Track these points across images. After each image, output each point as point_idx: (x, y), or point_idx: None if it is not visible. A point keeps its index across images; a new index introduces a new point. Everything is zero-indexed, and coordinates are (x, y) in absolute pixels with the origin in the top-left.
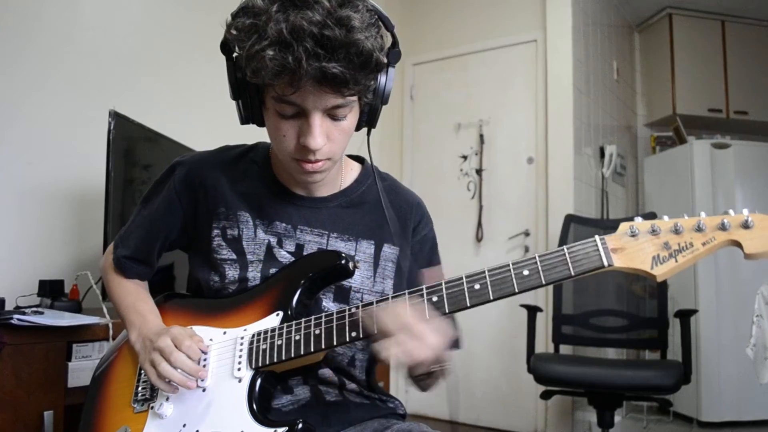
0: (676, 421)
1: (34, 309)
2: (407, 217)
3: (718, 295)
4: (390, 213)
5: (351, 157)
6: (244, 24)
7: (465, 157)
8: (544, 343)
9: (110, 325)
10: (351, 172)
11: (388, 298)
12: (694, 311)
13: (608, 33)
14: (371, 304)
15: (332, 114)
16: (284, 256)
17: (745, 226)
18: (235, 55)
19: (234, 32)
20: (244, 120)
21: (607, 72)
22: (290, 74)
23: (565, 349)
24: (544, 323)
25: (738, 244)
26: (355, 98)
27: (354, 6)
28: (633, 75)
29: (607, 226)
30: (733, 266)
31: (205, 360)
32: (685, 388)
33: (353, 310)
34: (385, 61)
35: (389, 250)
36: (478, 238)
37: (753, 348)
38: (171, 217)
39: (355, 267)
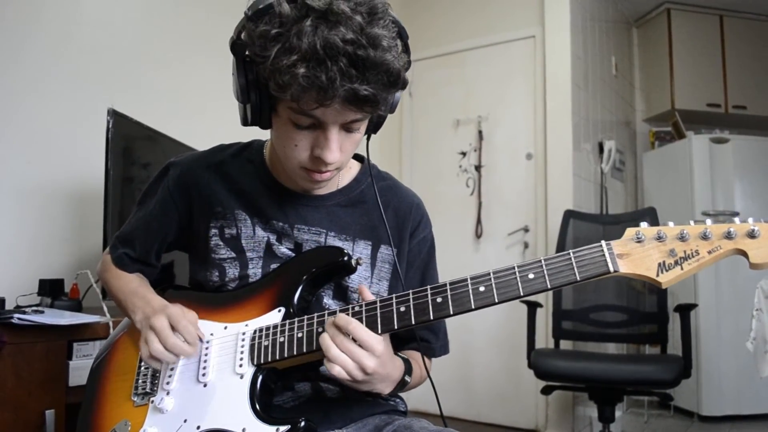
0: (677, 416)
1: (35, 308)
2: (406, 219)
3: (717, 289)
4: (388, 214)
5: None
6: (269, 32)
7: (464, 154)
8: (544, 339)
9: (110, 324)
10: (349, 170)
11: (391, 298)
12: (693, 306)
13: (606, 29)
14: (374, 303)
15: (348, 127)
16: (284, 252)
17: (751, 235)
18: (246, 54)
19: (255, 38)
20: (249, 122)
21: (606, 67)
22: (320, 92)
23: (565, 345)
24: (544, 319)
25: (744, 254)
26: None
27: (383, 22)
28: (631, 70)
29: (607, 221)
30: (733, 261)
31: (206, 350)
32: (686, 382)
33: (356, 308)
34: (407, 79)
35: (386, 252)
36: (478, 235)
37: (753, 342)
38: (166, 218)
39: (357, 263)
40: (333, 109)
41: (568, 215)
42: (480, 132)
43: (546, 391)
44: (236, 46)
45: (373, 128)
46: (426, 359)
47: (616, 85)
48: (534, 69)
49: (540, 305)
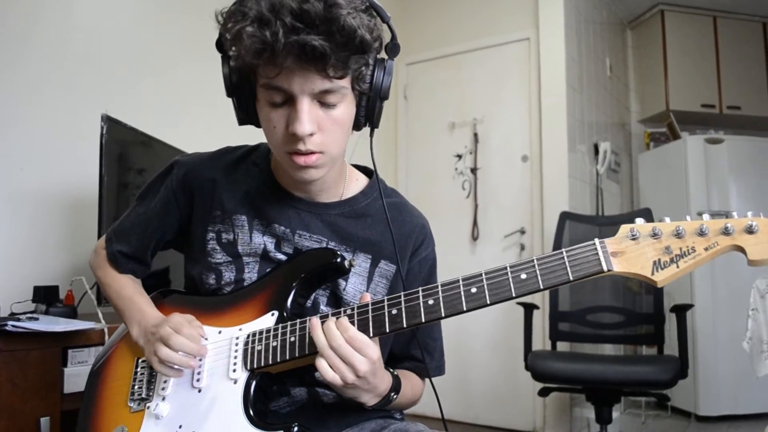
0: (674, 416)
1: (29, 315)
2: (409, 237)
3: (713, 289)
4: (393, 231)
5: (359, 168)
6: (231, 10)
7: (459, 156)
8: (541, 341)
9: (106, 330)
10: (356, 182)
11: (383, 301)
12: (690, 306)
13: (601, 30)
14: (366, 306)
15: (322, 100)
16: (280, 259)
17: (750, 231)
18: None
19: (221, 21)
20: (241, 120)
21: (600, 69)
22: (270, 52)
23: (562, 346)
24: (540, 320)
25: (742, 250)
26: (345, 84)
27: None
28: (626, 72)
29: (603, 222)
30: (729, 260)
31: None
32: (683, 382)
33: (348, 311)
34: (371, 42)
35: (385, 267)
36: (474, 237)
37: (749, 341)
38: (167, 217)
39: (351, 265)
40: (292, 72)
41: (564, 217)
42: (475, 134)
43: (543, 392)
44: (219, 42)
45: (368, 117)
46: (419, 380)
47: (610, 86)
48: (529, 71)
49: (537, 307)
